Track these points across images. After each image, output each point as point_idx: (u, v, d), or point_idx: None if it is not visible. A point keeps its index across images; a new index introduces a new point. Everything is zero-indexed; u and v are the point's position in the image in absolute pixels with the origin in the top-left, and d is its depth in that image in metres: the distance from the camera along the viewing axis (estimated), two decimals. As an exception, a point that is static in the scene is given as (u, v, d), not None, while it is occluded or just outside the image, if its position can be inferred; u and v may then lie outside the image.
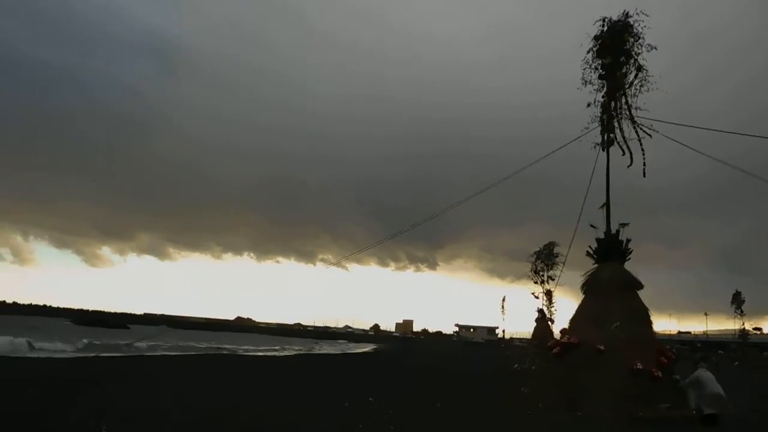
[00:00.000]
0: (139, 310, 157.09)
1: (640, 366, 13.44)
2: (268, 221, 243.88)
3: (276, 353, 45.06)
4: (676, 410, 12.90)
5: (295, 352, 48.24)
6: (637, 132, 16.14)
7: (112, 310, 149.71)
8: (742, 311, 76.78)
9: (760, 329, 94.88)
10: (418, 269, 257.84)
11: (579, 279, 16.53)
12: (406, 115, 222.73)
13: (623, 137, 16.49)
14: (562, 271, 29.12)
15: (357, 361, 38.69)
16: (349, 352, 57.58)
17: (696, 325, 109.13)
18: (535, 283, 46.00)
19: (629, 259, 15.74)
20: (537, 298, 45.64)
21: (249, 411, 11.74)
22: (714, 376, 13.10)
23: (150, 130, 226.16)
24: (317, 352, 53.50)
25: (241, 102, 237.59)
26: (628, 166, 16.48)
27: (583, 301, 15.82)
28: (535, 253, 46.80)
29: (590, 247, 16.17)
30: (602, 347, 13.87)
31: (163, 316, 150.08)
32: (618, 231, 15.87)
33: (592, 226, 16.21)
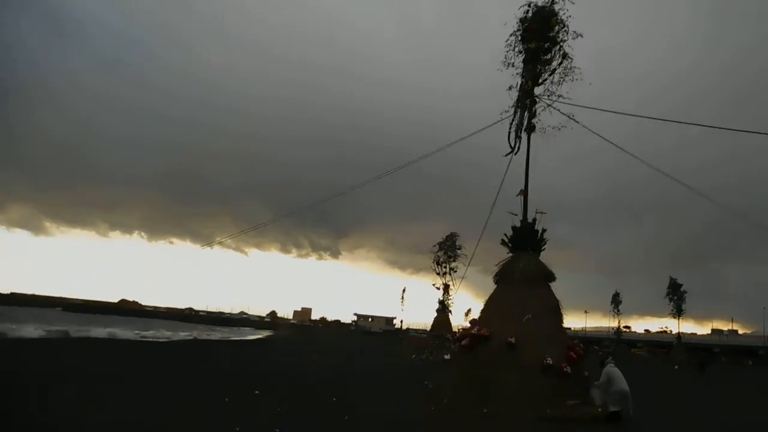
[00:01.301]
0: (5, 289, 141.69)
1: (550, 361, 12.75)
2: (163, 197, 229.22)
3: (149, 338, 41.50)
4: (582, 407, 12.35)
5: (167, 338, 44.81)
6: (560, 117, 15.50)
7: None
8: (618, 310, 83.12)
9: (629, 327, 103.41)
10: (320, 257, 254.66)
11: (479, 275, 15.77)
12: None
13: (527, 123, 15.76)
14: (469, 263, 28.72)
15: (247, 348, 36.33)
16: (235, 338, 54.64)
17: (576, 321, 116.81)
18: (437, 274, 45.96)
19: (544, 249, 15.12)
20: (438, 289, 45.62)
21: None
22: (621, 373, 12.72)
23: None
24: (204, 338, 50.18)
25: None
26: (506, 155, 15.91)
27: (495, 291, 14.97)
28: (437, 244, 46.73)
29: (505, 235, 15.37)
30: (513, 340, 13.05)
31: (34, 296, 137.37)
32: (535, 220, 15.19)
33: (510, 213, 15.42)
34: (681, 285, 68.21)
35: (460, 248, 45.65)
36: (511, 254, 15.19)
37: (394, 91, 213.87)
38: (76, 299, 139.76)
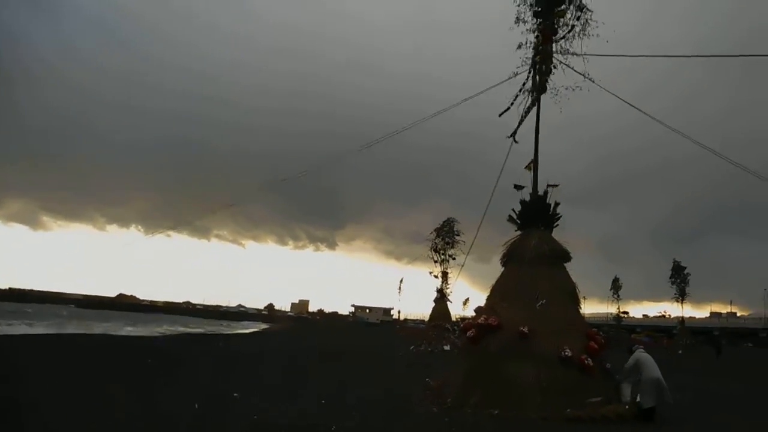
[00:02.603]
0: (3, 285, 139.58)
1: (569, 353, 11.04)
2: (161, 191, 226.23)
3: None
4: (607, 405, 10.67)
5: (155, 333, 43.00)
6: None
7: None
8: (618, 296, 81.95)
9: (627, 313, 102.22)
10: (317, 249, 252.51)
11: (476, 264, 14.02)
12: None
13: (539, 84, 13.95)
14: (470, 249, 26.91)
15: (236, 343, 34.58)
16: (227, 332, 52.88)
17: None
18: (435, 262, 44.29)
19: (557, 225, 13.37)
20: (436, 277, 43.95)
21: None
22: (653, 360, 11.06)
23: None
24: (189, 331, 48.34)
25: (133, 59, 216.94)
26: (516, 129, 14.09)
27: (502, 274, 13.22)
28: (435, 230, 45.07)
29: (513, 210, 13.61)
30: (526, 329, 11.32)
31: (32, 291, 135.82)
32: (546, 193, 13.43)
33: (516, 186, 13.66)
34: (684, 267, 66.89)
35: (458, 234, 44.05)
36: (519, 232, 13.44)
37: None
38: (78, 294, 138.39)
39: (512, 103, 14.02)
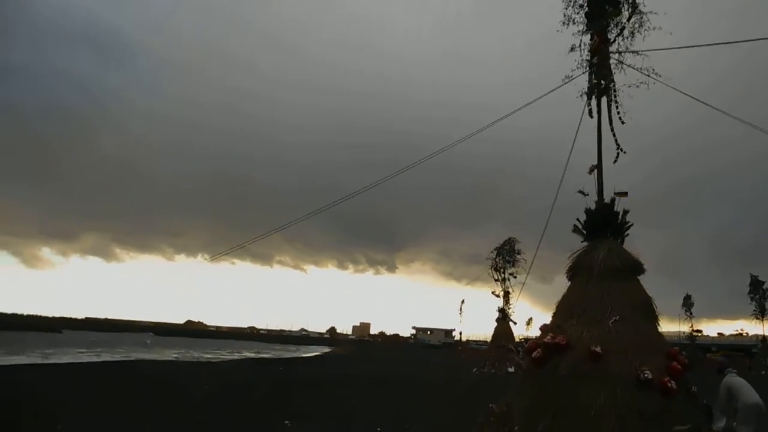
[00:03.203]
0: (80, 314, 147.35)
1: (648, 375, 9.91)
2: (222, 222, 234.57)
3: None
4: (695, 434, 9.46)
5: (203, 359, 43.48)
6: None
7: (49, 314, 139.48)
8: (691, 313, 77.17)
9: (700, 331, 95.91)
10: (377, 272, 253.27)
11: (537, 284, 13.02)
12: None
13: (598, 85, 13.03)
14: (530, 267, 25.65)
15: (299, 368, 34.41)
16: (288, 356, 53.00)
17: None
18: (496, 281, 43.23)
19: (627, 235, 12.29)
20: (497, 297, 42.78)
21: None
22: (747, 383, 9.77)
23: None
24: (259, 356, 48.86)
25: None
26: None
27: (569, 289, 12.22)
28: (495, 249, 44.20)
29: (578, 219, 12.64)
30: (598, 349, 10.30)
31: (107, 320, 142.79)
32: (613, 201, 12.41)
33: (580, 192, 12.69)
34: (763, 282, 62.28)
35: (519, 252, 42.96)
36: (585, 243, 12.44)
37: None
38: (149, 322, 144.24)
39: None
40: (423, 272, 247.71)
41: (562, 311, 11.85)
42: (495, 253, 44.36)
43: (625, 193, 12.49)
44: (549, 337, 11.08)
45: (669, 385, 9.96)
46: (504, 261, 44.03)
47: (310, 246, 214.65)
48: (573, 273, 12.24)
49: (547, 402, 10.29)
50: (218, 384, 17.87)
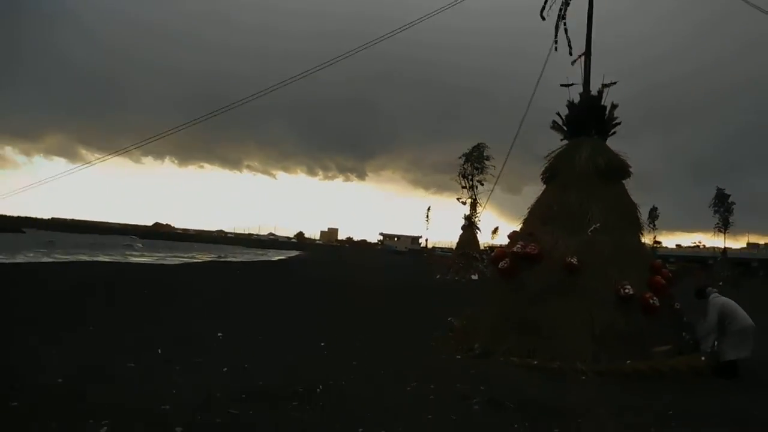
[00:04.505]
0: (46, 215, 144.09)
1: (629, 290, 8.74)
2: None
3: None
4: (677, 355, 8.46)
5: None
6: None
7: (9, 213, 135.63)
8: (654, 226, 79.05)
9: (660, 243, 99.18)
10: (347, 179, 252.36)
11: (504, 195, 11.45)
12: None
13: None
14: (500, 174, 24.05)
15: (265, 271, 33.32)
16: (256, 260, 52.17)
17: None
18: (463, 187, 41.95)
19: (614, 133, 10.71)
20: (464, 204, 41.74)
21: None
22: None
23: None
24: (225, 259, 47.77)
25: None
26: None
27: (543, 193, 10.76)
28: (463, 155, 42.50)
29: (558, 114, 10.93)
30: (575, 261, 9.01)
31: (72, 220, 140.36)
32: (600, 93, 10.68)
33: (564, 85, 10.89)
34: (729, 195, 62.88)
35: (488, 158, 41.46)
36: (566, 141, 10.82)
37: None
38: (117, 224, 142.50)
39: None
40: (393, 180, 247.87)
41: (535, 217, 10.44)
42: (463, 159, 42.74)
43: (614, 83, 10.76)
44: (519, 245, 9.69)
45: (651, 301, 8.85)
46: (472, 168, 42.53)
47: (281, 152, 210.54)
48: (550, 175, 10.73)
49: (514, 318, 9.07)
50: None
